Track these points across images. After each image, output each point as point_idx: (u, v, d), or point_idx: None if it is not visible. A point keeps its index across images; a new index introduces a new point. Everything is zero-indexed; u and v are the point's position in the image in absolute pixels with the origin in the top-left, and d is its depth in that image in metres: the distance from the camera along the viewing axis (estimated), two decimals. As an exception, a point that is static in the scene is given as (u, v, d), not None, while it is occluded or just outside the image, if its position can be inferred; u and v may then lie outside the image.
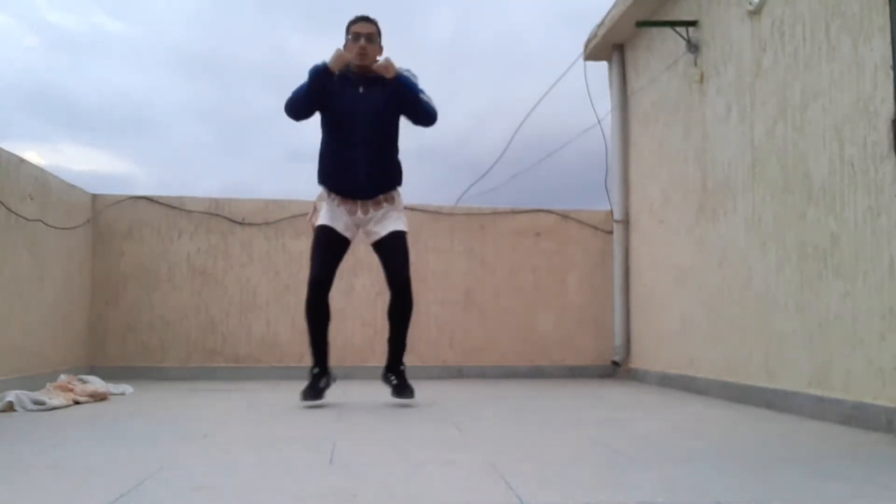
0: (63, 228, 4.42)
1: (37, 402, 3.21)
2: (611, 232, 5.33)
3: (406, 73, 3.32)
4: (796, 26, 3.17)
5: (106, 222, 4.99)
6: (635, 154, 5.07)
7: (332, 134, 3.36)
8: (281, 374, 4.86)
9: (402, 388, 3.32)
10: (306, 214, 4.99)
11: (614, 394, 4.11)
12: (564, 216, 5.44)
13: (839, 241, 2.86)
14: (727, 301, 3.73)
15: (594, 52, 5.34)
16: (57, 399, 3.31)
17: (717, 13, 3.87)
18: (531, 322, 5.31)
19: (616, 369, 5.21)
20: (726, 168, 3.76)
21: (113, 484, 1.71)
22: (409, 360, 3.54)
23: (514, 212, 5.40)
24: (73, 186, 4.65)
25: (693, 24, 4.09)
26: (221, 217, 5.10)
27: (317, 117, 3.38)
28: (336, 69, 3.26)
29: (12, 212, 3.78)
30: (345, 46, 3.32)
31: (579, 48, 5.46)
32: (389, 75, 3.25)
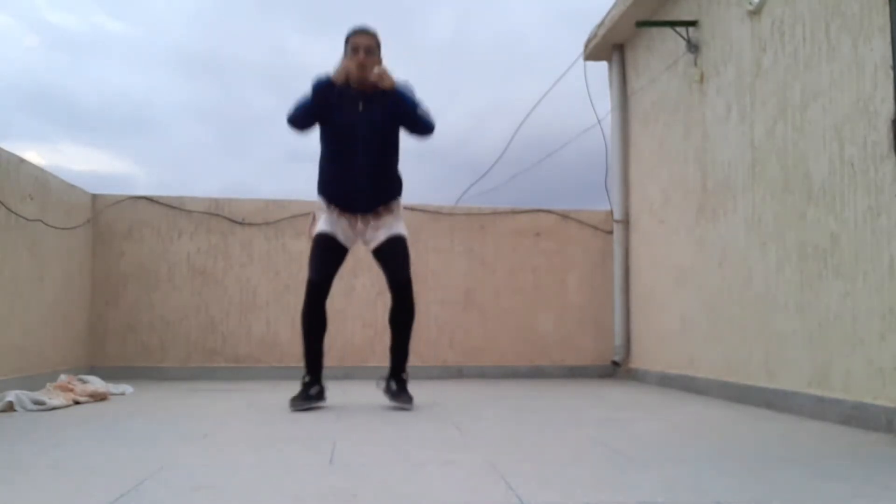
0: (63, 228, 4.42)
1: (37, 402, 3.21)
2: (611, 232, 5.33)
3: (403, 85, 3.30)
4: (796, 26, 3.17)
5: (106, 222, 4.99)
6: (635, 154, 5.07)
7: (332, 148, 3.35)
8: (281, 374, 4.86)
9: (400, 394, 3.29)
10: (306, 215, 4.99)
11: (614, 394, 4.11)
12: (564, 216, 5.44)
13: (839, 241, 2.86)
14: (727, 301, 3.73)
15: (594, 52, 5.34)
16: (57, 399, 3.31)
17: (717, 13, 3.87)
18: (531, 322, 5.31)
19: (616, 369, 5.21)
20: (726, 168, 3.76)
21: (113, 484, 1.71)
22: (408, 360, 3.53)
23: (514, 212, 5.40)
24: (73, 186, 4.65)
25: (693, 24, 4.09)
26: (221, 217, 5.10)
27: (316, 128, 3.38)
28: (339, 81, 3.25)
29: (12, 212, 3.78)
30: (342, 59, 3.30)
31: (579, 48, 5.46)
32: (385, 86, 3.23)
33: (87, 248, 4.88)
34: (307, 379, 3.32)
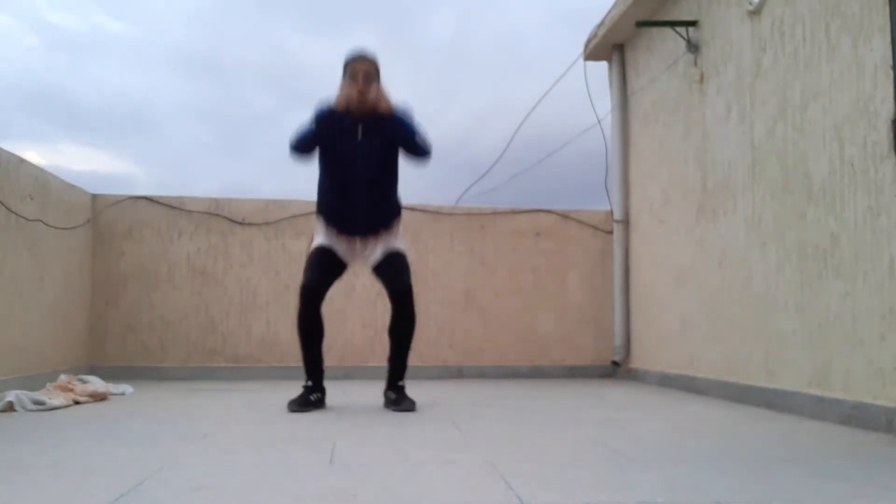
0: (63, 228, 4.42)
1: (37, 402, 3.21)
2: (611, 232, 5.33)
3: (400, 110, 3.28)
4: (796, 26, 3.17)
5: (106, 222, 4.99)
6: (635, 154, 5.07)
7: (331, 173, 3.34)
8: (281, 374, 4.87)
9: (401, 401, 3.28)
10: (306, 215, 5.01)
11: (614, 394, 4.11)
12: (564, 216, 5.44)
13: (839, 241, 2.86)
14: (727, 301, 3.73)
15: (594, 52, 5.34)
16: (57, 399, 3.31)
17: (717, 13, 3.87)
18: (531, 322, 5.32)
19: (616, 369, 5.21)
20: (726, 168, 3.76)
21: (113, 484, 1.71)
22: (408, 360, 3.52)
23: (514, 212, 5.40)
24: (73, 186, 4.65)
25: (693, 24, 4.09)
26: (221, 217, 5.10)
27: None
28: (340, 109, 3.23)
29: (12, 212, 3.78)
30: (341, 86, 3.27)
31: (579, 48, 5.46)
32: (383, 110, 3.22)
33: (87, 248, 4.88)
34: (309, 384, 3.31)
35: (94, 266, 4.94)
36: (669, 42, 4.39)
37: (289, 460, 2.06)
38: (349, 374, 5.00)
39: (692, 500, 1.59)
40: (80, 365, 4.63)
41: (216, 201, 5.14)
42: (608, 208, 5.39)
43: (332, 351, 4.89)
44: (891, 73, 2.57)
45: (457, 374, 5.19)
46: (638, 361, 4.99)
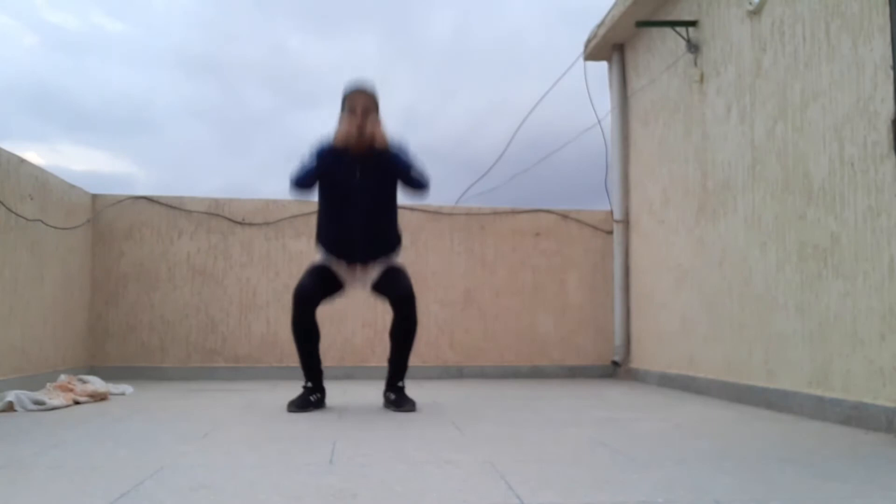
0: (63, 228, 4.42)
1: (37, 402, 3.21)
2: (611, 232, 5.33)
3: (396, 145, 3.27)
4: (796, 26, 3.17)
5: (106, 222, 4.99)
6: (635, 154, 5.07)
7: (331, 207, 3.35)
8: (281, 374, 4.87)
9: (401, 402, 3.28)
10: (306, 215, 5.01)
11: (614, 394, 4.11)
12: (564, 216, 5.44)
13: (839, 241, 2.86)
14: (727, 301, 3.73)
15: (594, 52, 5.34)
16: (57, 399, 3.31)
17: (717, 13, 3.87)
18: (531, 322, 5.32)
19: (616, 369, 5.21)
20: (726, 168, 3.76)
21: (113, 484, 1.71)
22: (409, 361, 3.52)
23: (514, 212, 5.40)
24: (73, 186, 4.65)
25: (693, 24, 4.09)
26: (221, 217, 5.10)
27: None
28: (339, 146, 3.22)
29: (12, 212, 3.78)
30: (340, 120, 3.26)
31: (579, 48, 5.46)
32: (379, 146, 3.21)
33: (87, 248, 4.88)
34: (308, 385, 3.32)
35: (94, 266, 4.94)
36: (669, 42, 4.39)
37: (289, 460, 2.06)
38: (349, 374, 5.00)
39: (692, 500, 1.59)
40: (80, 365, 4.63)
41: (216, 201, 5.14)
42: (608, 208, 5.39)
43: (331, 351, 4.91)
44: (891, 73, 2.57)
45: (457, 374, 5.19)
46: (638, 361, 4.99)
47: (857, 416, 2.70)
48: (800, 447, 2.34)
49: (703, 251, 4.02)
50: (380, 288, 3.35)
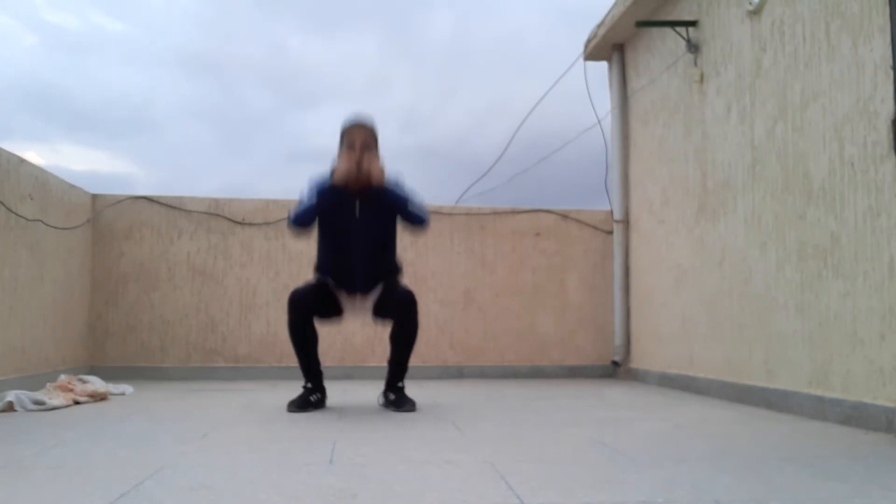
0: (63, 228, 4.42)
1: (37, 402, 3.21)
2: (611, 232, 5.33)
3: (393, 182, 3.26)
4: (796, 26, 3.17)
5: (106, 222, 4.99)
6: (635, 154, 5.07)
7: (330, 241, 3.34)
8: (281, 373, 4.87)
9: (401, 402, 3.28)
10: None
11: (614, 394, 4.11)
12: (564, 216, 5.44)
13: (839, 240, 2.86)
14: (727, 301, 3.73)
15: (594, 52, 5.34)
16: (57, 399, 3.31)
17: (717, 13, 3.87)
18: (531, 322, 5.32)
19: (616, 369, 5.21)
20: (726, 168, 3.76)
21: (113, 484, 1.71)
22: (409, 362, 3.52)
23: (514, 212, 5.40)
24: (73, 186, 4.65)
25: (693, 24, 4.09)
26: (221, 217, 5.11)
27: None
28: (339, 184, 3.21)
29: (12, 212, 3.78)
30: (339, 155, 3.25)
31: (579, 48, 5.46)
32: (376, 183, 3.20)
33: (87, 248, 4.88)
34: (308, 385, 3.32)
35: (94, 266, 4.94)
36: (669, 42, 4.39)
37: (289, 460, 2.06)
38: (349, 374, 5.00)
39: (692, 500, 1.59)
40: (80, 365, 4.63)
41: (216, 201, 5.14)
42: (608, 208, 5.39)
43: (331, 351, 4.92)
44: (891, 73, 2.57)
45: (457, 374, 5.19)
46: (638, 361, 4.99)
47: (857, 416, 2.70)
48: (800, 447, 2.34)
49: (702, 251, 4.02)
50: (381, 304, 3.35)
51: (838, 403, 2.81)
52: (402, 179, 3.33)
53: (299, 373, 3.36)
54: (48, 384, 3.64)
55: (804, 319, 3.08)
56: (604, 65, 5.41)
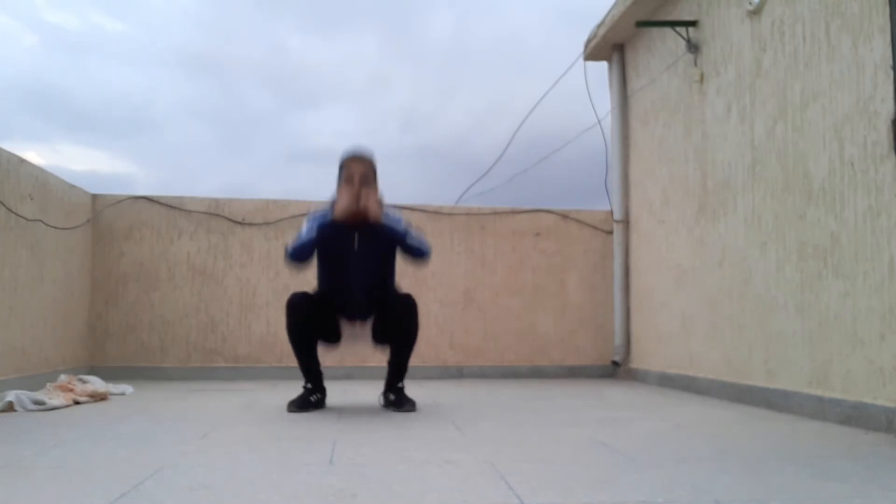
0: (63, 228, 4.42)
1: (37, 402, 3.21)
2: (611, 232, 5.33)
3: (390, 217, 3.25)
4: (796, 26, 3.17)
5: (106, 222, 4.99)
6: (635, 154, 5.07)
7: (328, 273, 3.34)
8: (281, 373, 4.86)
9: (401, 402, 3.28)
10: (306, 214, 5.00)
11: (614, 394, 4.11)
12: (564, 216, 5.44)
13: (839, 240, 2.86)
14: (727, 301, 3.73)
15: (594, 52, 5.34)
16: (57, 399, 3.31)
17: (717, 13, 3.87)
18: (531, 322, 5.32)
19: (616, 369, 5.21)
20: (726, 168, 3.76)
21: (113, 484, 1.71)
22: (406, 373, 3.50)
23: (514, 212, 5.40)
24: (73, 186, 4.65)
25: (693, 24, 4.09)
26: (221, 217, 5.11)
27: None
28: (339, 220, 3.19)
29: (12, 212, 3.78)
30: (338, 189, 3.24)
31: (579, 48, 5.46)
32: (372, 219, 3.18)
33: (87, 248, 4.88)
34: (308, 385, 3.32)
35: (94, 266, 4.94)
36: (669, 42, 4.39)
37: (289, 460, 2.06)
38: (349, 374, 5.00)
39: (692, 500, 1.59)
40: (80, 365, 4.63)
41: (216, 201, 5.14)
42: (608, 208, 5.39)
43: (331, 351, 4.90)
44: (891, 73, 2.57)
45: (457, 374, 5.19)
46: (638, 361, 4.99)
47: (857, 416, 2.70)
48: (800, 447, 2.35)
49: (703, 251, 4.02)
50: (379, 329, 3.33)
51: (838, 403, 2.81)
52: (398, 216, 3.32)
53: (299, 373, 3.36)
54: (48, 384, 3.64)
55: (804, 319, 3.08)
56: (604, 65, 5.41)
